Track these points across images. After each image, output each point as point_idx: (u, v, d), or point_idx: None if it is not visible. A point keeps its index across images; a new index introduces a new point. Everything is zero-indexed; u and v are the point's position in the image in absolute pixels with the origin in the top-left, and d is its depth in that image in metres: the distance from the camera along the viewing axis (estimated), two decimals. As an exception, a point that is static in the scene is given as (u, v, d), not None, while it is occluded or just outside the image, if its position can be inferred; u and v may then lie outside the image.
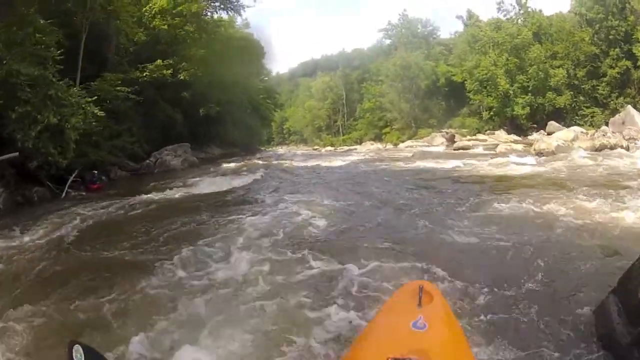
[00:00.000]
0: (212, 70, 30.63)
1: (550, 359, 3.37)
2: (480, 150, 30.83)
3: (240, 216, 8.90)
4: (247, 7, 37.60)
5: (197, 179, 16.91)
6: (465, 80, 53.04)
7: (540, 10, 53.18)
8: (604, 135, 23.48)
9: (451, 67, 59.38)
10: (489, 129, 48.61)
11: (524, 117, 47.62)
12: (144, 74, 24.23)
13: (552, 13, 53.86)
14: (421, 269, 5.27)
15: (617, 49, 42.52)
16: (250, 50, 41.58)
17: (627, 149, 21.43)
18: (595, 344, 3.48)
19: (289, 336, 3.89)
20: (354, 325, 4.02)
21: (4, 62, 12.36)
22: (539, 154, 20.79)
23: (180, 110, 28.60)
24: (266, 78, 60.14)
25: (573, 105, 45.75)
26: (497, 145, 30.42)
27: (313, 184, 14.84)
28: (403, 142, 54.73)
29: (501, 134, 43.01)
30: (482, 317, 4.02)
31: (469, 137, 43.23)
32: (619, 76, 42.50)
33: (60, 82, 13.50)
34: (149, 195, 12.71)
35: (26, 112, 12.09)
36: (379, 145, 59.01)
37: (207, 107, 31.77)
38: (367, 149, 51.04)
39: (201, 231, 7.79)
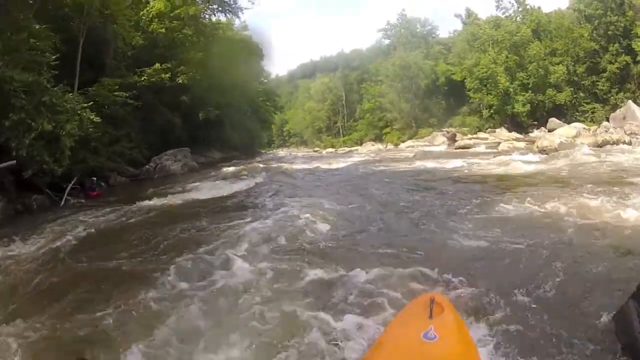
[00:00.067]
0: (211, 74, 30.46)
1: (567, 371, 3.20)
2: (482, 148, 30.67)
3: (241, 222, 8.74)
4: (245, 9, 37.66)
5: (197, 183, 16.76)
6: (465, 78, 53.13)
7: (539, 7, 53.51)
8: (606, 131, 23.36)
9: (450, 66, 59.47)
10: (489, 127, 48.62)
11: (524, 114, 47.66)
12: (142, 78, 24.02)
13: (550, 10, 54.11)
14: (428, 276, 5.10)
15: (617, 45, 42.57)
16: (249, 53, 41.48)
17: (630, 144, 21.30)
18: (615, 354, 3.31)
19: (292, 348, 3.78)
20: (361, 336, 3.89)
21: (-2, 68, 12.22)
22: (542, 151, 20.61)
23: (179, 115, 28.37)
24: (265, 80, 60.03)
25: (573, 101, 45.79)
26: (499, 143, 30.30)
27: (314, 187, 14.68)
28: (404, 142, 54.75)
29: (502, 132, 43.00)
30: (494, 327, 3.86)
31: (470, 136, 43.18)
32: (618, 71, 42.56)
33: (55, 88, 13.30)
34: (148, 202, 12.54)
35: (20, 119, 11.89)
36: (379, 145, 58.98)
37: (207, 110, 31.54)
38: (367, 150, 50.92)
39: (201, 238, 7.63)
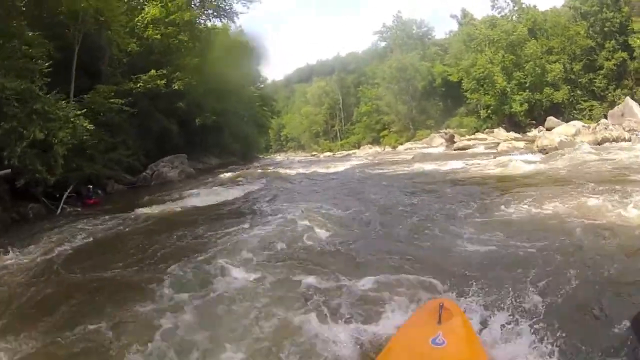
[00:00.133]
0: (207, 79, 30.40)
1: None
2: (481, 149, 30.54)
3: (239, 229, 8.61)
4: (240, 13, 37.53)
5: (194, 190, 16.58)
6: (462, 79, 53.13)
7: (535, 6, 53.38)
8: (605, 128, 23.21)
9: (447, 67, 59.50)
10: (487, 128, 48.63)
11: (522, 113, 47.68)
12: (138, 85, 23.92)
13: (546, 8, 54.10)
14: (432, 282, 4.95)
15: (613, 41, 42.66)
16: (245, 58, 41.36)
17: (630, 141, 21.16)
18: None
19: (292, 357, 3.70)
20: (366, 346, 3.79)
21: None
22: (542, 150, 20.46)
23: (176, 121, 28.25)
24: (262, 85, 59.89)
25: (571, 99, 45.82)
26: (498, 143, 30.16)
27: (312, 192, 14.51)
28: (402, 144, 54.67)
29: (500, 132, 42.97)
30: (504, 332, 3.70)
31: (468, 137, 43.09)
32: (615, 68, 42.62)
33: (48, 96, 13.16)
34: (145, 210, 12.38)
35: (12, 128, 11.72)
36: (377, 148, 58.85)
37: (203, 116, 31.40)
38: (365, 153, 50.73)
39: (198, 246, 7.49)
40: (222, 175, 23.50)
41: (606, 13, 42.52)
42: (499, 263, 5.46)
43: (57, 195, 14.45)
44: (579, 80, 45.65)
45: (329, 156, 56.40)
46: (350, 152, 59.58)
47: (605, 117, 33.74)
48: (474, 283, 4.65)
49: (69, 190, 15.06)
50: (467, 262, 5.61)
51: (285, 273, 5.68)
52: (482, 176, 14.38)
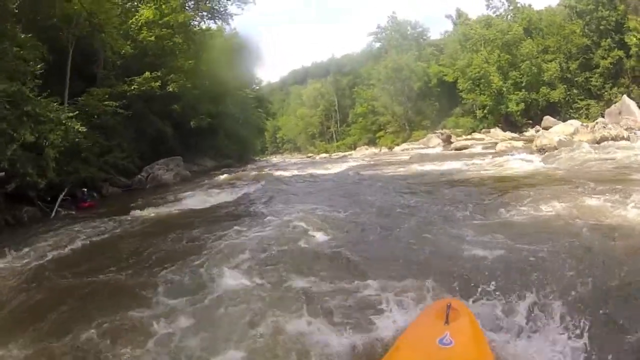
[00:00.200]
0: (202, 81, 30.35)
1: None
2: (479, 149, 30.36)
3: (234, 232, 8.40)
4: (235, 15, 37.43)
5: (190, 193, 16.41)
6: (458, 79, 53.16)
7: (530, 5, 53.50)
8: (604, 127, 23.08)
9: (443, 67, 59.52)
10: (483, 128, 48.71)
11: (518, 113, 47.77)
12: (132, 87, 23.76)
13: (541, 7, 54.23)
14: (435, 285, 4.74)
15: (609, 40, 42.77)
16: (240, 60, 41.26)
17: (628, 139, 21.06)
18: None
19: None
20: (364, 348, 3.72)
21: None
22: (541, 150, 20.29)
23: (171, 123, 28.16)
24: (257, 87, 59.88)
25: (567, 98, 45.94)
26: (495, 143, 30.03)
27: (309, 194, 14.29)
28: (398, 145, 54.61)
29: (497, 132, 43.00)
30: (512, 334, 3.64)
31: (465, 137, 43.09)
32: (611, 66, 42.75)
33: (39, 98, 12.98)
34: (140, 213, 12.21)
35: (2, 130, 11.48)
36: (374, 149, 58.77)
37: (198, 118, 31.24)
38: (362, 154, 50.59)
39: (193, 250, 7.29)
40: (217, 178, 23.39)
41: (602, 11, 42.61)
42: (504, 265, 5.24)
43: (49, 199, 14.33)
44: (575, 79, 45.76)
45: (325, 158, 56.26)
46: (347, 153, 59.59)
47: (602, 115, 33.70)
48: (478, 285, 4.48)
49: (63, 194, 14.96)
50: (470, 264, 5.40)
51: (282, 277, 5.51)
52: (482, 176, 14.18)
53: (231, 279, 5.52)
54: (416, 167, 20.19)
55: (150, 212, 12.34)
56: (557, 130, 25.12)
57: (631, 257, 5.05)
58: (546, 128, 32.42)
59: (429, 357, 2.85)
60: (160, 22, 28.44)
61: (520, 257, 5.40)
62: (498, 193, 10.25)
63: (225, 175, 24.18)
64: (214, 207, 12.85)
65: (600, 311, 3.82)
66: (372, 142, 66.22)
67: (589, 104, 44.12)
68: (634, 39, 40.23)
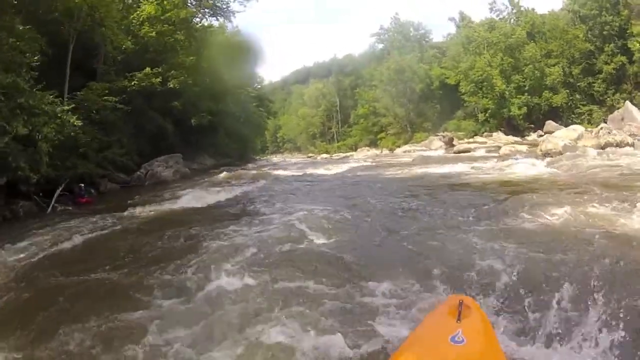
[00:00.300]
0: (203, 78, 30.29)
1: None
2: (482, 153, 30.21)
3: (232, 231, 8.23)
4: (237, 12, 37.30)
5: (189, 190, 16.24)
6: (460, 82, 53.10)
7: (533, 9, 53.45)
8: (609, 132, 22.94)
9: (445, 70, 59.50)
10: (485, 131, 48.60)
11: (520, 117, 47.71)
12: (133, 83, 23.71)
13: (545, 11, 54.18)
14: (440, 289, 4.66)
15: (612, 45, 42.74)
16: (242, 58, 41.14)
17: (633, 146, 20.95)
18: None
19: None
20: (366, 352, 3.63)
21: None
22: (546, 154, 20.16)
23: (171, 120, 28.11)
24: (259, 86, 59.81)
25: (569, 103, 45.92)
26: (499, 147, 29.98)
27: (309, 194, 14.17)
28: (399, 147, 54.63)
29: (500, 136, 42.83)
30: (523, 333, 3.68)
31: (467, 140, 42.94)
32: (614, 72, 42.74)
33: (34, 90, 12.77)
34: (137, 210, 12.02)
35: (-5, 123, 11.31)
36: (375, 151, 58.88)
37: (199, 116, 31.15)
38: (363, 155, 50.57)
39: (190, 249, 7.10)
40: (217, 176, 23.35)
41: (605, 16, 42.56)
42: (513, 271, 4.98)
43: (41, 193, 14.12)
44: (578, 84, 45.71)
45: (326, 158, 56.32)
46: (348, 154, 59.61)
47: (605, 121, 33.56)
48: (486, 289, 4.47)
49: (60, 189, 14.72)
50: (476, 270, 5.20)
51: (280, 278, 5.34)
52: (487, 181, 13.99)
53: (228, 280, 5.35)
54: (420, 170, 20.07)
55: (148, 210, 12.15)
56: (562, 135, 24.94)
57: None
58: (549, 132, 32.30)
59: (440, 355, 2.79)
60: (161, 17, 28.35)
61: (528, 264, 5.21)
62: (503, 197, 10.05)
63: (224, 174, 24.10)
64: (212, 205, 12.72)
65: (617, 318, 3.59)
66: (373, 144, 66.32)
67: (591, 110, 44.06)
68: (637, 44, 40.17)
